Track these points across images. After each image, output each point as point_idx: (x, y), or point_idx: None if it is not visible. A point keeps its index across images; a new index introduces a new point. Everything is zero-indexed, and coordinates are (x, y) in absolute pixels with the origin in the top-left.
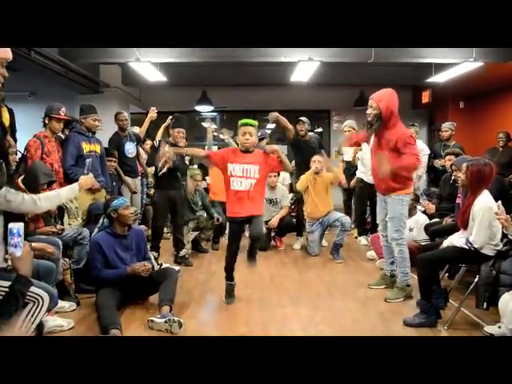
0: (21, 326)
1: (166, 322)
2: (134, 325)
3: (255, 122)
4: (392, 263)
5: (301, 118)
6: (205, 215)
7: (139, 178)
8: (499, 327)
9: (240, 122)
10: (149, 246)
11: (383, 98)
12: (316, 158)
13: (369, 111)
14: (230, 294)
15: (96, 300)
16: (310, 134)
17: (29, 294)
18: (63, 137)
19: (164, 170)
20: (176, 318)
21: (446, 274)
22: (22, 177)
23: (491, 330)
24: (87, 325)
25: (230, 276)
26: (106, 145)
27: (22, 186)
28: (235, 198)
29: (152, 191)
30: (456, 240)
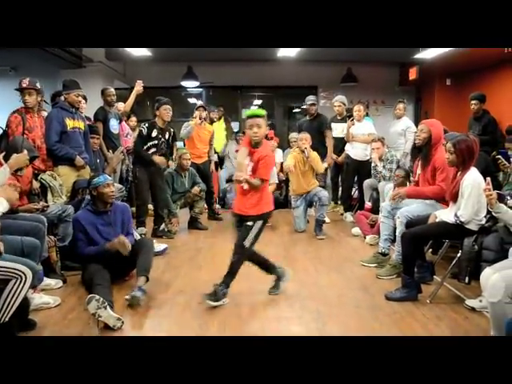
0: (4, 302)
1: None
2: (119, 303)
3: (263, 112)
4: (385, 240)
5: (312, 102)
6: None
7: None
8: (480, 301)
9: (246, 113)
10: (135, 222)
11: (435, 124)
12: (302, 136)
13: (418, 135)
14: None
15: (86, 277)
16: (320, 114)
17: (11, 270)
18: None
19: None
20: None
21: (430, 250)
22: (4, 153)
23: (472, 303)
24: (74, 302)
25: None
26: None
27: (4, 163)
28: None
29: None
30: (445, 215)
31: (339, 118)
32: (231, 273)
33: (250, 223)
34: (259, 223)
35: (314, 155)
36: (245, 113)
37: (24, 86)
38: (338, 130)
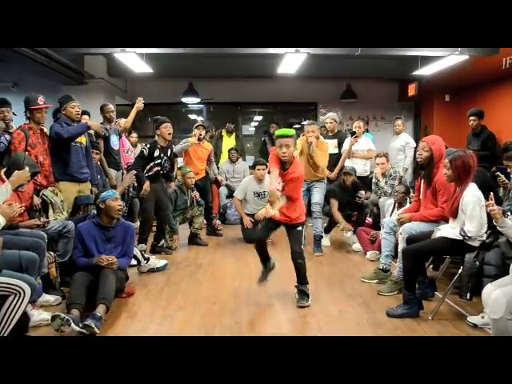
0: (2, 318)
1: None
2: (119, 320)
3: (292, 132)
4: (387, 256)
5: (348, 171)
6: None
7: (121, 171)
8: (482, 317)
9: (276, 132)
10: (137, 238)
11: (436, 141)
12: (309, 128)
13: (420, 153)
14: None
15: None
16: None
17: (10, 286)
18: (47, 130)
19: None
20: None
21: (431, 266)
22: (5, 169)
23: (474, 320)
24: None
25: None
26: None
27: (6, 179)
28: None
29: None
30: (448, 231)
31: (330, 134)
32: (304, 271)
33: (300, 228)
34: (304, 228)
35: (322, 150)
36: (276, 132)
37: (41, 103)
38: (329, 146)
